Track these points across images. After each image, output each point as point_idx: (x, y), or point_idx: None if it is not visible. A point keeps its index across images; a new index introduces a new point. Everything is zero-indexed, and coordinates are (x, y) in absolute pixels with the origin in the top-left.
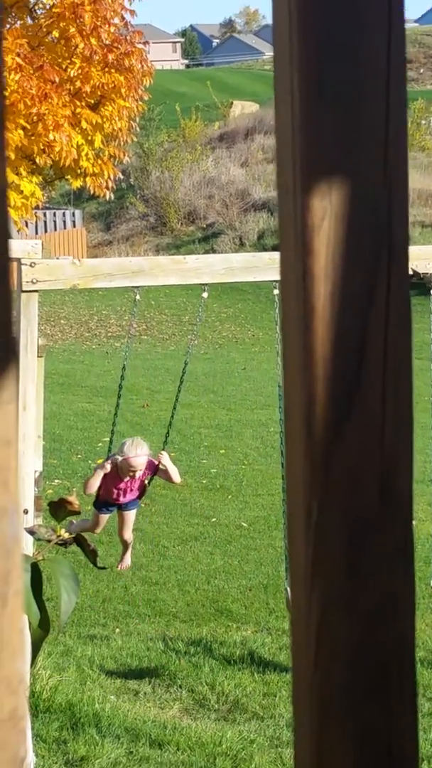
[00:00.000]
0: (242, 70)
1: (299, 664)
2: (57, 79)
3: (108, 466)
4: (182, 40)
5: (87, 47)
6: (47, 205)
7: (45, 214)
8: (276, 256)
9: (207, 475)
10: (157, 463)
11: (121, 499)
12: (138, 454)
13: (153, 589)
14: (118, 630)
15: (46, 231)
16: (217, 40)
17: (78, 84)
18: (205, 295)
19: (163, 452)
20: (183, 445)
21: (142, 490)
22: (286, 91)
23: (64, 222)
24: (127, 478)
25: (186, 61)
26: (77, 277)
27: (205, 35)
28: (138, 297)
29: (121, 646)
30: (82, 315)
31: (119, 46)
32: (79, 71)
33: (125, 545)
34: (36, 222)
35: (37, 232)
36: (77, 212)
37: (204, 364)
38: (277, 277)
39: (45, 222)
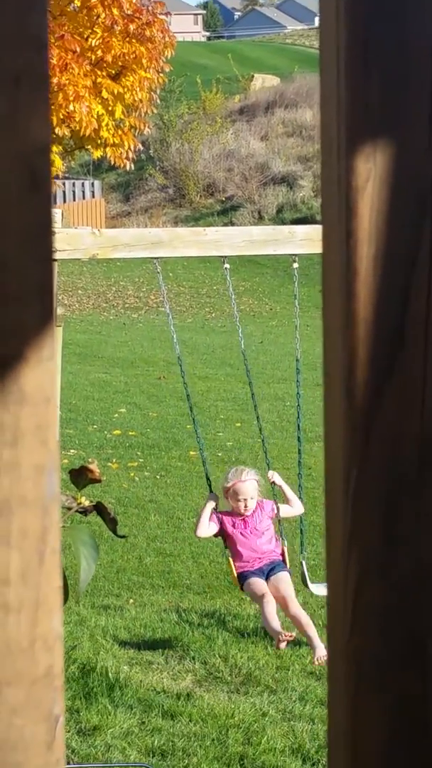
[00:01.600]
0: (264, 44)
1: (335, 630)
2: (78, 49)
3: (212, 499)
4: (204, 12)
5: (108, 17)
6: (66, 175)
7: (64, 184)
8: (297, 229)
9: (223, 447)
10: (274, 502)
11: (246, 545)
12: (245, 478)
13: (167, 561)
14: (132, 601)
15: (65, 201)
16: (239, 13)
17: (99, 53)
18: (227, 266)
19: (271, 471)
20: (199, 417)
21: (280, 546)
22: (332, 52)
23: (83, 192)
24: (243, 515)
25: (207, 34)
26: (96, 247)
27: (227, 8)
28: (159, 268)
29: (134, 617)
30: (99, 285)
31: (141, 16)
32: (101, 41)
33: (301, 625)
34: (55, 191)
35: (56, 202)
36: (96, 183)
37: (221, 337)
38: (297, 251)
39: (64, 192)
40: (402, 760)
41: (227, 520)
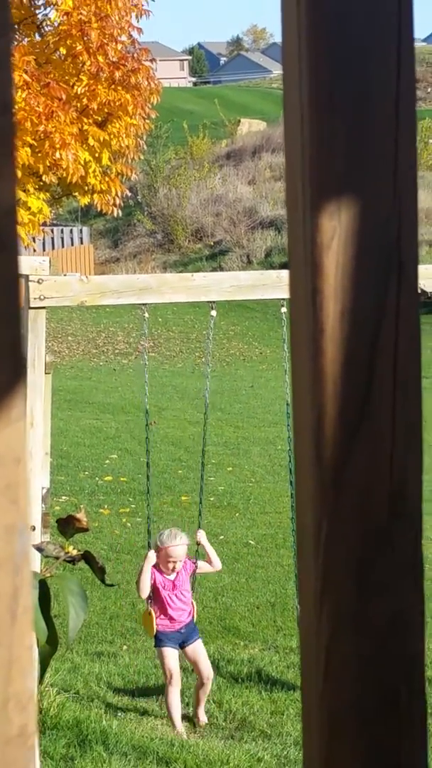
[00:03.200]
0: (250, 88)
1: (309, 680)
2: (64, 97)
3: (152, 556)
4: (190, 57)
5: (94, 64)
6: (54, 221)
7: (52, 231)
8: (284, 274)
9: (215, 492)
10: (193, 561)
11: (173, 606)
12: (177, 543)
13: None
14: (125, 647)
15: (53, 248)
16: (225, 58)
17: (85, 101)
18: (213, 313)
19: (200, 530)
20: (190, 462)
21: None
22: (295, 109)
23: (72, 239)
24: (171, 575)
25: (194, 79)
26: (85, 294)
27: (213, 53)
28: (146, 315)
29: (128, 664)
30: (89, 332)
31: (126, 63)
32: (86, 88)
33: (198, 700)
34: (44, 238)
35: (44, 249)
36: (85, 229)
37: (211, 382)
38: (285, 295)
39: (52, 238)
40: None
41: (159, 580)
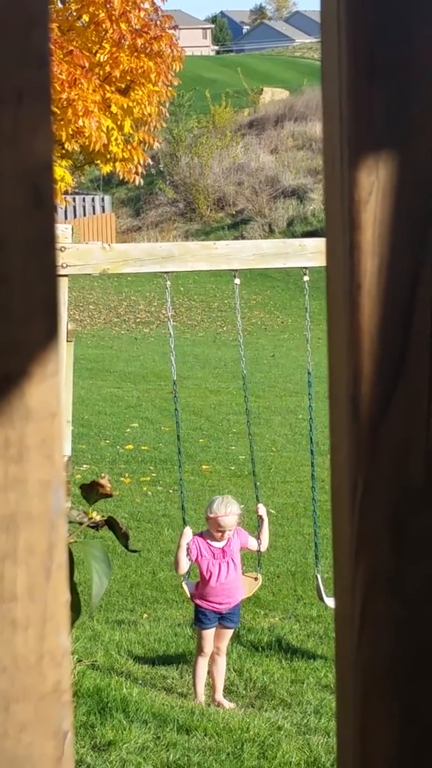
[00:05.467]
0: (272, 57)
1: (343, 642)
2: (87, 64)
3: (188, 532)
4: (212, 26)
5: (116, 32)
6: (76, 190)
7: (74, 199)
8: (306, 242)
9: (235, 461)
10: (247, 535)
11: (215, 583)
12: (228, 512)
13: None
14: (146, 615)
15: (75, 216)
16: (248, 27)
17: (108, 68)
18: (237, 281)
19: (261, 504)
20: (212, 431)
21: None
22: (334, 65)
23: (93, 207)
24: (220, 543)
25: (216, 48)
26: (107, 262)
27: (236, 21)
28: (169, 283)
29: (148, 632)
30: (111, 300)
31: (149, 30)
32: (109, 56)
33: (213, 680)
34: (65, 207)
35: (66, 217)
36: (106, 197)
37: (232, 351)
38: (307, 264)
39: (74, 207)
40: None
41: (205, 550)
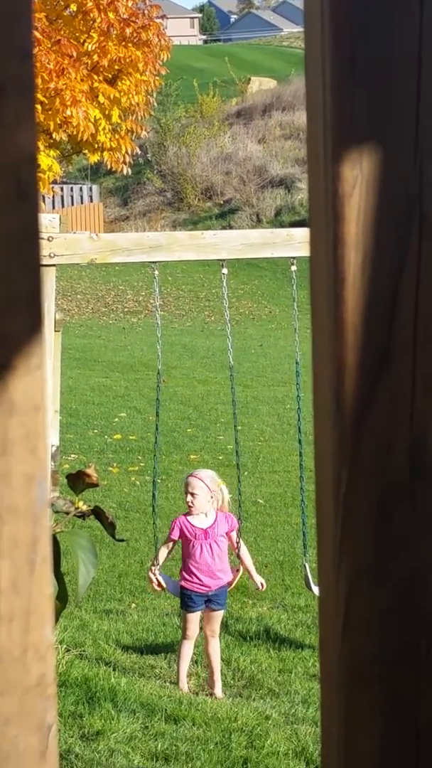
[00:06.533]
0: (260, 47)
1: (327, 635)
2: (74, 54)
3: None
4: (200, 15)
5: (104, 21)
6: (64, 179)
7: (62, 189)
8: (294, 232)
9: (223, 451)
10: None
11: (194, 563)
12: (196, 475)
13: (169, 565)
14: (134, 605)
15: (63, 206)
16: (235, 16)
17: (95, 58)
18: (224, 271)
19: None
20: (200, 421)
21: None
22: (317, 59)
23: (81, 197)
24: (202, 523)
25: (204, 37)
26: (95, 252)
27: (223, 11)
28: (156, 272)
29: (136, 621)
30: (99, 290)
31: (136, 20)
32: (97, 45)
33: (210, 665)
34: (53, 196)
35: (54, 207)
36: (94, 187)
37: (220, 341)
38: (295, 254)
39: (62, 196)
40: (395, 762)
41: (187, 529)
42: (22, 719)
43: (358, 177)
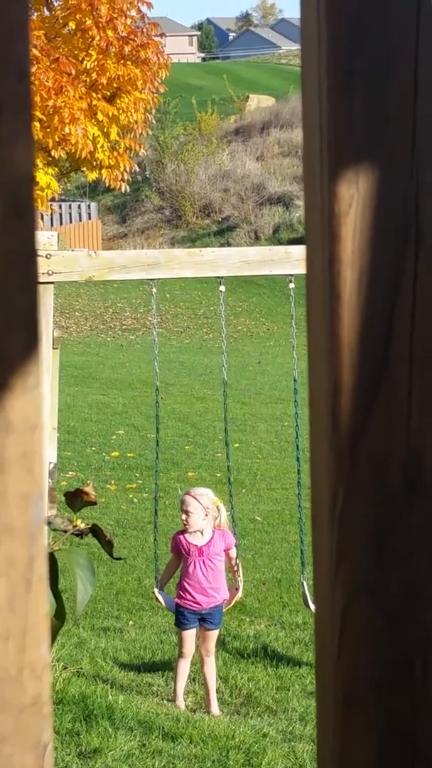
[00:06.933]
0: (258, 64)
1: (323, 653)
2: (73, 72)
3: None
4: (198, 33)
5: (103, 39)
6: (63, 197)
7: (60, 206)
8: (292, 249)
9: (221, 468)
10: (234, 540)
11: (187, 580)
12: (192, 494)
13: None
14: (131, 622)
15: (61, 223)
16: (234, 34)
17: (94, 76)
18: (222, 288)
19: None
20: (198, 438)
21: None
22: (314, 78)
23: (80, 214)
24: (198, 540)
25: (202, 55)
26: (93, 269)
27: (222, 29)
28: (155, 290)
29: (134, 639)
30: (97, 307)
31: (135, 38)
32: (95, 63)
33: (206, 684)
34: (51, 214)
35: (52, 224)
36: (93, 204)
37: (219, 358)
38: (293, 271)
39: (60, 214)
40: None
41: (184, 546)
42: (17, 738)
43: (354, 196)
